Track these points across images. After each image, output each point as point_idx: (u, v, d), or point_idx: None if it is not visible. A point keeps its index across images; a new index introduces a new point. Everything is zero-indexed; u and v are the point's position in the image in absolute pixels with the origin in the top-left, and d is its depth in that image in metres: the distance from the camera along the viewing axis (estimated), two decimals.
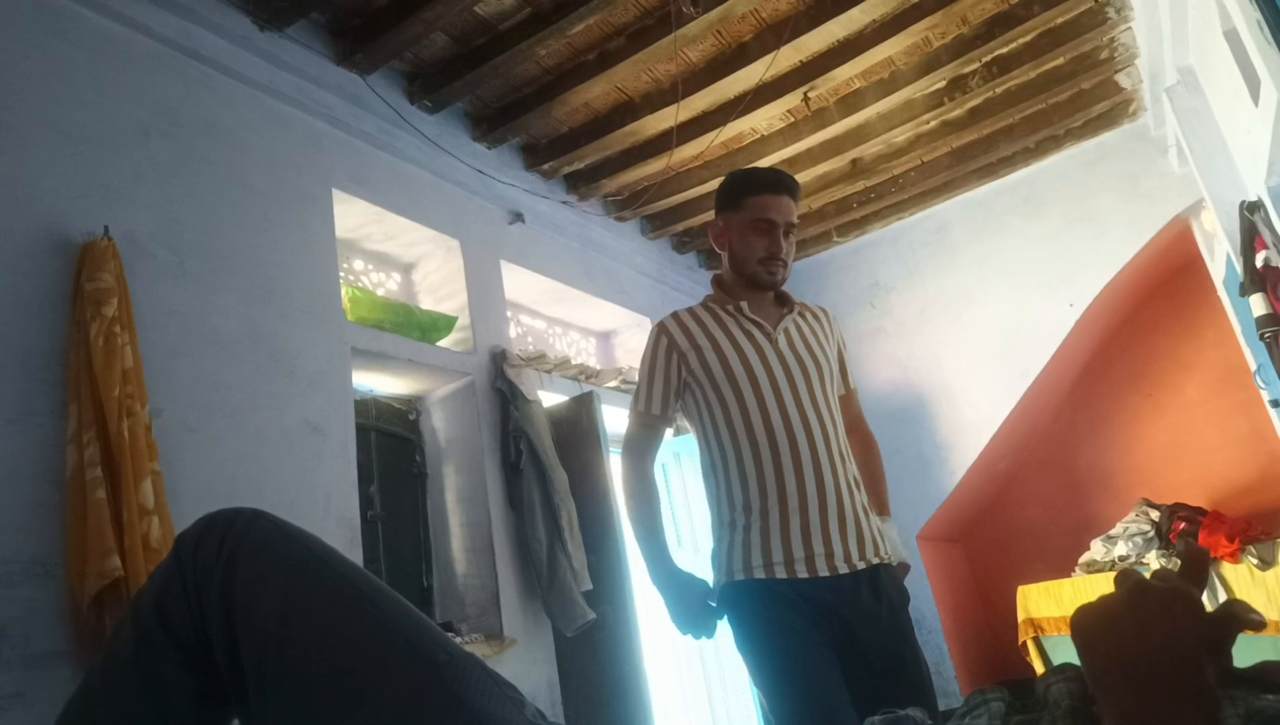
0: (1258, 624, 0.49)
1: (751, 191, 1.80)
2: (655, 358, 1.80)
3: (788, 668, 1.55)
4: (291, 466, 2.60)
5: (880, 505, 1.86)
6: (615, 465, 3.71)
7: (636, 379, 1.85)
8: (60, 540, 1.94)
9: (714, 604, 1.71)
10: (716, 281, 1.90)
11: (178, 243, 2.49)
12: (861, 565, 1.65)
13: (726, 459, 1.71)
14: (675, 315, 1.84)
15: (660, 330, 1.82)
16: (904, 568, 1.79)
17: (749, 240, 1.78)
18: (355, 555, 2.68)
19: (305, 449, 2.66)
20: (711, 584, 1.73)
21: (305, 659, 0.76)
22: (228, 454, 2.42)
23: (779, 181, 1.81)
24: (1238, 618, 0.49)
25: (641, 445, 1.82)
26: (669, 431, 1.90)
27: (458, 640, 2.90)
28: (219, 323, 2.53)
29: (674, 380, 1.78)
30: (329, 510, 2.66)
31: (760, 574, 1.62)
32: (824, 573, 1.61)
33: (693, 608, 1.70)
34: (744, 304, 1.80)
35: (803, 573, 1.61)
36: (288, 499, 2.54)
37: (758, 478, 1.67)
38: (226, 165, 2.74)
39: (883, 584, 1.67)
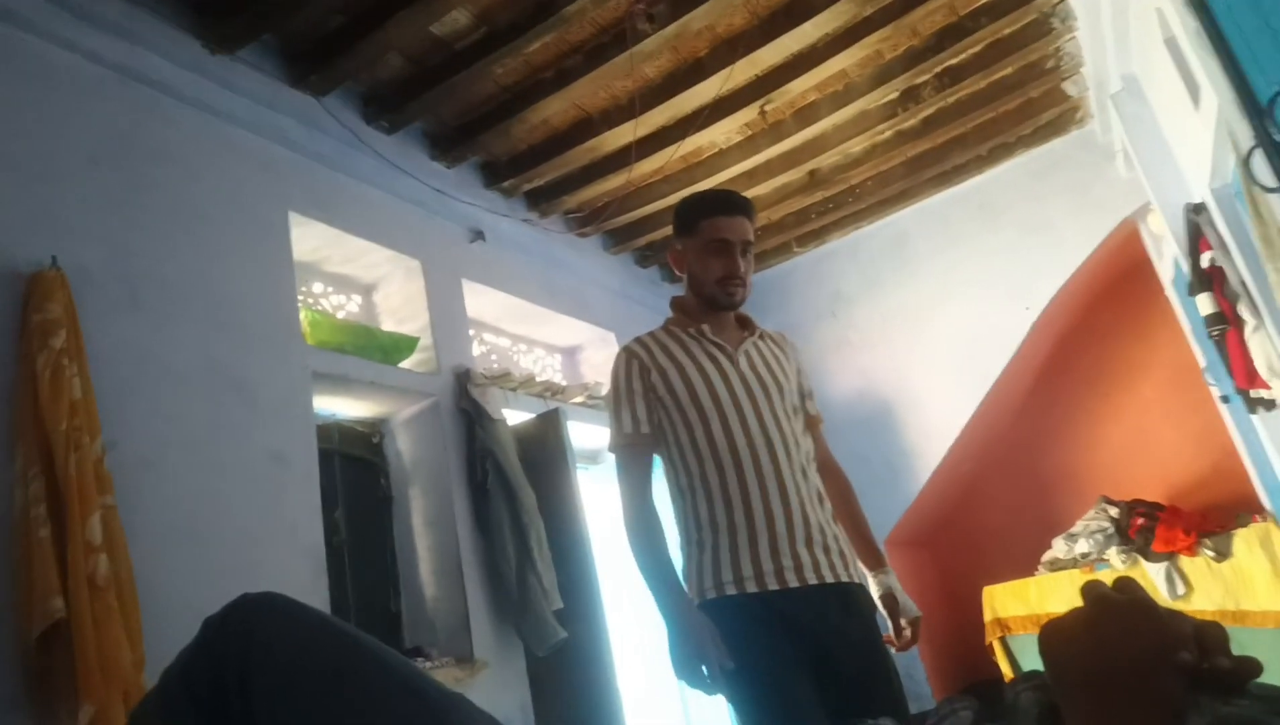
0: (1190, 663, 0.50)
1: (705, 214, 1.82)
2: (629, 379, 1.79)
3: (761, 686, 1.56)
4: (254, 497, 2.55)
5: (873, 553, 1.86)
6: (583, 481, 3.71)
7: (610, 408, 1.82)
8: (9, 583, 1.88)
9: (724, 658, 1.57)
10: (677, 305, 1.92)
11: (129, 272, 2.44)
12: (830, 579, 1.66)
13: (693, 479, 1.73)
14: (638, 339, 1.85)
15: (628, 354, 1.82)
16: (916, 620, 1.80)
17: (707, 262, 1.81)
18: (321, 583, 2.64)
19: (267, 478, 2.61)
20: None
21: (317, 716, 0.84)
22: (187, 487, 2.37)
23: (731, 202, 1.84)
24: (1206, 642, 0.50)
25: (636, 474, 1.75)
26: (657, 454, 1.81)
27: (429, 665, 2.86)
28: (174, 353, 2.48)
29: (651, 397, 1.78)
30: (293, 539, 2.61)
31: (731, 590, 1.63)
32: (794, 584, 1.63)
33: (701, 651, 1.56)
34: (705, 327, 1.82)
35: (773, 585, 1.62)
36: (251, 530, 2.49)
37: (724, 496, 1.69)
38: (178, 192, 2.69)
39: (853, 599, 1.70)
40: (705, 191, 1.97)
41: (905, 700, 1.68)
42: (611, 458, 1.85)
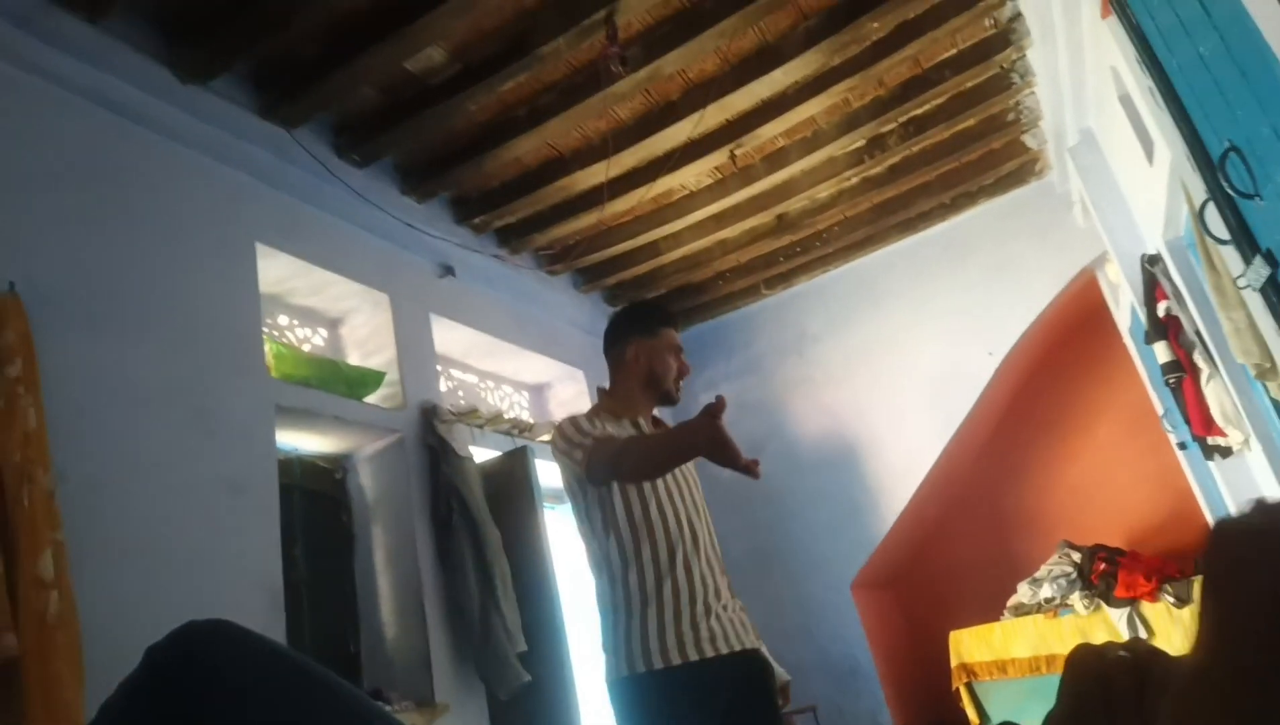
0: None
1: (664, 323, 2.12)
2: (575, 428, 1.92)
3: None
4: (210, 530, 2.48)
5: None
6: (550, 520, 3.67)
7: (564, 451, 1.91)
8: None
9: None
10: (609, 395, 2.11)
11: (89, 296, 2.40)
12: (739, 648, 1.87)
13: (626, 553, 1.88)
14: (583, 417, 1.99)
15: (569, 418, 1.96)
16: (786, 685, 2.05)
17: (667, 362, 2.07)
18: (279, 621, 2.57)
19: (224, 510, 2.55)
20: (604, 669, 1.89)
21: None
22: (140, 517, 2.30)
23: (676, 316, 2.20)
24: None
25: (608, 448, 1.84)
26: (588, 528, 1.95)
27: (388, 709, 2.78)
28: (132, 380, 2.43)
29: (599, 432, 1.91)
30: (251, 575, 2.55)
31: (659, 664, 1.79)
32: (720, 652, 1.83)
33: (710, 427, 1.64)
34: (641, 421, 2.03)
35: (694, 656, 1.80)
36: (205, 563, 2.42)
37: (655, 569, 1.86)
38: (142, 217, 2.65)
39: (758, 664, 1.92)
40: (653, 303, 2.38)
41: None
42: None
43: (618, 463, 1.84)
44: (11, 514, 1.84)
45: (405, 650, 3.14)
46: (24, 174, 2.36)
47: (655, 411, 2.13)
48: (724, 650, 1.83)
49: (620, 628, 1.85)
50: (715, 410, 1.63)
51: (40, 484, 1.92)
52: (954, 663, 4.40)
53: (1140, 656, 0.58)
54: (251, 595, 2.51)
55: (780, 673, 2.02)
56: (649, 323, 2.12)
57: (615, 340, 2.13)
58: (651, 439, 1.94)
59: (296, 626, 2.89)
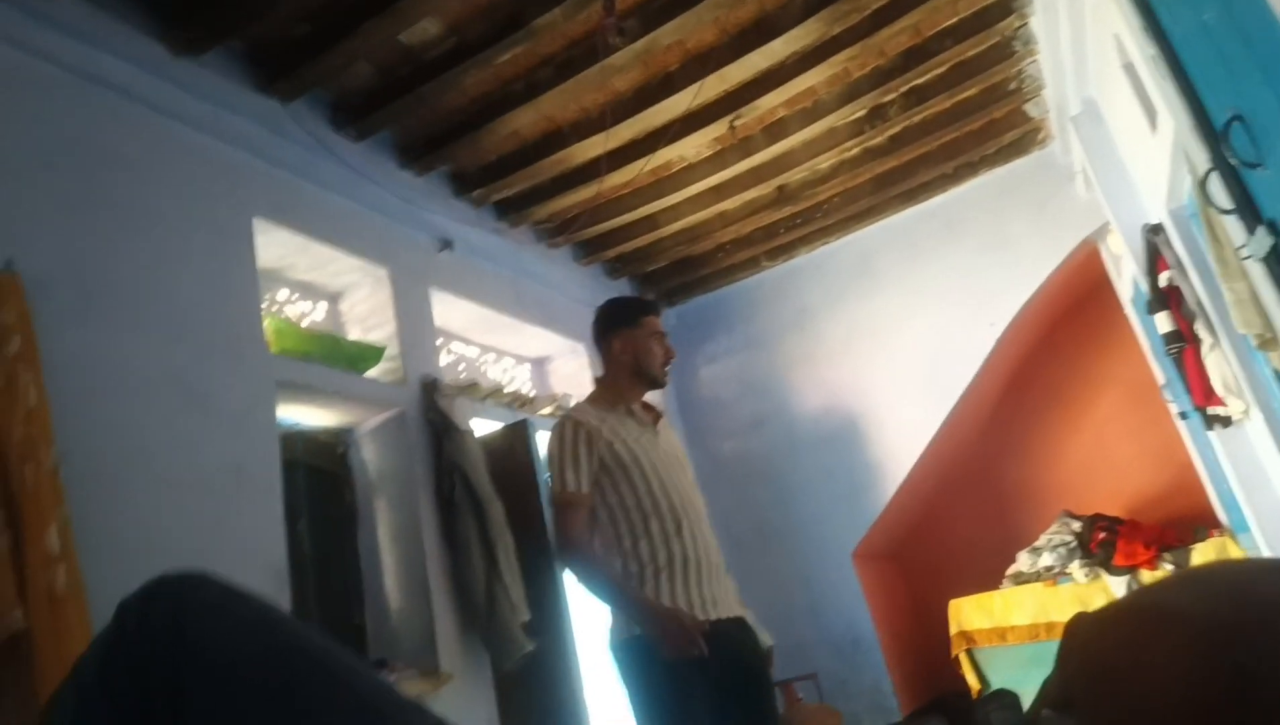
0: None
1: (645, 312, 2.29)
2: (575, 443, 2.09)
3: (670, 721, 1.92)
4: (212, 509, 2.49)
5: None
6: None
7: (554, 465, 2.10)
8: None
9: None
10: (603, 384, 2.29)
11: (85, 278, 2.39)
12: (728, 614, 2.07)
13: (634, 527, 2.06)
14: (578, 409, 2.22)
15: (574, 422, 2.13)
16: (769, 650, 2.21)
17: (651, 349, 2.24)
18: (284, 596, 2.59)
19: (227, 489, 2.56)
20: (609, 633, 2.06)
21: None
22: (143, 499, 2.31)
23: (658, 304, 2.45)
24: None
25: (579, 533, 2.05)
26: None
27: (392, 677, 2.82)
28: (131, 361, 2.42)
29: (594, 461, 2.08)
30: (254, 551, 2.57)
31: None
32: (713, 617, 2.01)
33: (678, 625, 1.90)
34: (634, 408, 2.23)
35: (698, 618, 1.96)
36: (209, 543, 2.44)
37: (664, 542, 2.04)
38: (137, 196, 2.64)
39: (747, 630, 2.12)
40: (632, 296, 2.50)
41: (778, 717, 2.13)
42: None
43: (565, 549, 2.06)
44: (16, 490, 1.84)
45: (410, 622, 3.17)
46: (16, 154, 2.34)
47: (645, 397, 2.30)
48: (723, 614, 2.04)
49: (630, 592, 2.00)
50: (687, 647, 1.85)
51: (43, 461, 1.93)
52: (954, 630, 4.44)
53: None
54: (256, 571, 2.53)
55: (764, 637, 2.18)
56: (631, 314, 2.29)
57: (601, 334, 2.30)
58: (604, 578, 2.04)
59: (302, 600, 2.92)
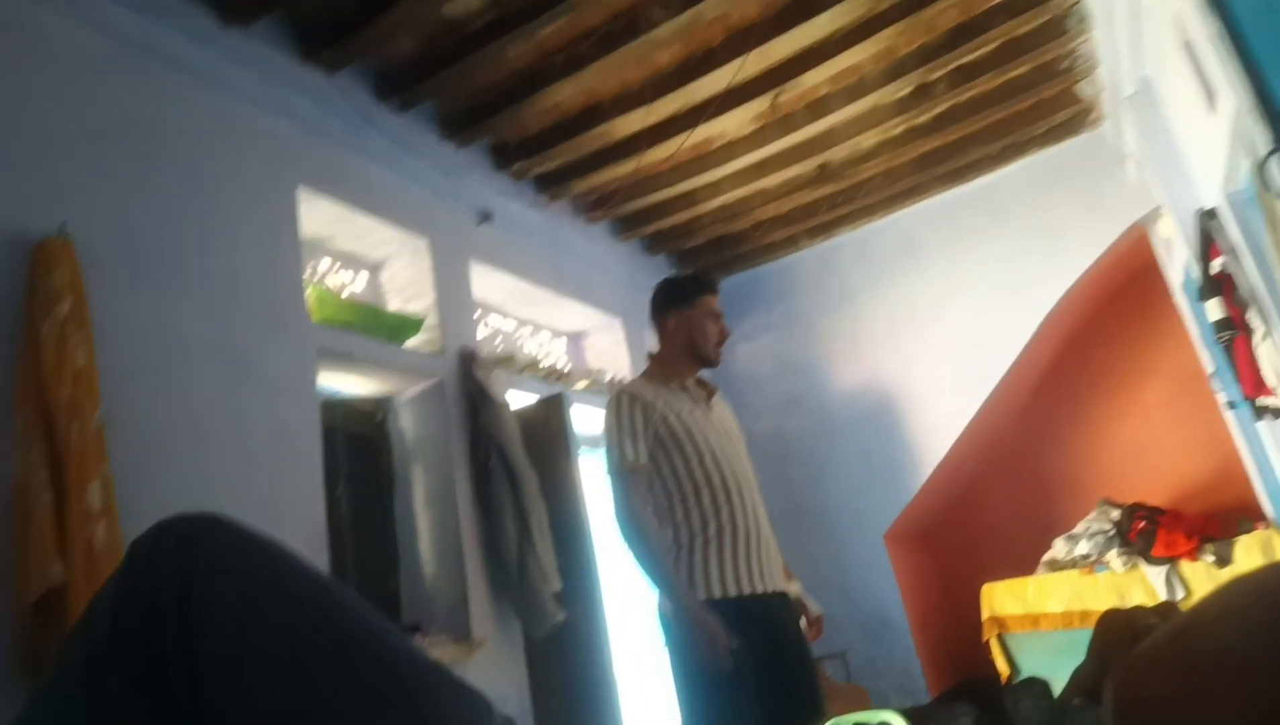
0: None
1: (701, 291, 2.32)
2: (631, 416, 2.15)
3: (712, 690, 1.96)
4: (256, 472, 2.56)
5: (787, 569, 2.32)
6: (585, 466, 3.72)
7: (612, 437, 2.15)
8: (9, 548, 1.88)
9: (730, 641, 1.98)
10: (658, 361, 2.34)
11: (134, 246, 2.44)
12: (774, 588, 2.13)
13: (686, 498, 2.11)
14: (634, 384, 2.27)
15: (630, 396, 2.19)
16: (819, 618, 2.29)
17: (706, 329, 2.28)
18: (322, 559, 2.65)
19: (270, 454, 2.62)
20: (659, 600, 2.08)
21: (262, 683, 0.72)
22: (188, 463, 2.38)
23: (715, 283, 2.39)
24: None
25: (635, 496, 2.10)
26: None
27: (425, 641, 2.88)
28: (178, 328, 2.48)
29: (650, 433, 2.14)
30: (294, 514, 2.63)
31: (716, 593, 2.02)
32: (760, 590, 2.08)
33: (713, 635, 1.95)
34: (688, 384, 2.28)
35: (746, 589, 2.05)
36: (251, 506, 2.50)
37: (715, 513, 2.10)
38: (186, 166, 2.69)
39: (790, 606, 2.18)
40: (692, 273, 2.63)
41: (824, 697, 2.18)
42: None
43: (626, 520, 2.08)
44: (61, 448, 1.90)
45: (444, 588, 3.23)
46: (70, 124, 2.39)
47: (700, 373, 2.35)
48: (770, 588, 2.10)
49: (681, 563, 2.07)
50: (713, 660, 1.93)
51: (88, 420, 1.98)
52: (985, 615, 4.41)
53: None
54: (296, 535, 2.59)
55: (814, 606, 2.28)
56: (687, 293, 2.33)
57: (657, 311, 2.36)
58: (658, 558, 2.08)
59: (339, 563, 2.99)
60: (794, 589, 2.26)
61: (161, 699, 0.75)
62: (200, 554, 0.77)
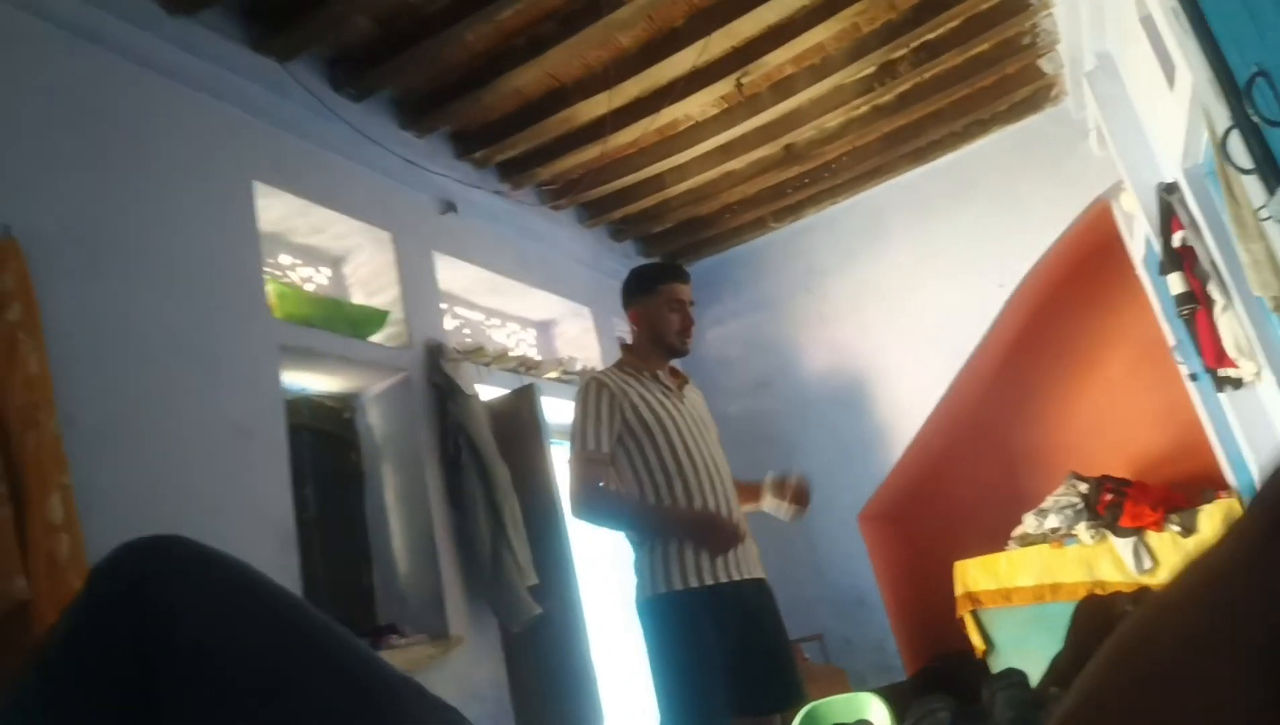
0: None
1: (664, 280, 2.30)
2: (597, 404, 2.14)
3: (684, 685, 1.99)
4: (218, 472, 2.50)
5: (755, 490, 2.33)
6: (558, 456, 3.69)
7: (577, 425, 2.14)
8: None
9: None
10: (629, 351, 2.35)
11: (87, 240, 2.36)
12: (750, 575, 2.12)
13: (658, 487, 2.11)
14: (605, 374, 2.24)
15: (598, 384, 2.18)
16: (800, 479, 2.29)
17: (667, 317, 2.26)
18: (291, 560, 2.60)
19: (233, 453, 2.56)
20: (635, 591, 2.11)
21: (227, 703, 0.71)
22: (148, 462, 2.31)
23: (681, 270, 2.36)
24: None
25: (590, 480, 2.09)
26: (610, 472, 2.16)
27: (402, 641, 2.84)
28: (135, 324, 2.41)
29: (615, 422, 2.13)
30: (261, 514, 2.57)
31: (679, 586, 2.03)
32: (736, 577, 2.07)
33: (713, 521, 2.05)
34: (660, 373, 2.27)
35: (709, 580, 2.04)
36: (216, 505, 2.44)
37: (686, 501, 2.09)
38: (135, 157, 2.60)
39: (767, 591, 2.18)
40: (659, 262, 2.60)
41: (801, 680, 2.19)
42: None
43: (583, 503, 2.09)
44: (17, 459, 1.84)
45: (418, 585, 3.19)
46: (12, 114, 2.30)
47: (672, 362, 2.35)
48: (745, 575, 2.10)
49: (656, 552, 2.07)
50: (729, 540, 2.02)
51: (45, 428, 1.92)
52: (959, 591, 4.46)
53: None
54: (263, 535, 2.54)
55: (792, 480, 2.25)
56: (649, 282, 2.31)
57: (625, 302, 2.36)
58: (623, 508, 2.14)
59: (310, 564, 2.93)
60: (766, 497, 2.25)
61: (122, 720, 0.74)
62: (160, 576, 0.76)
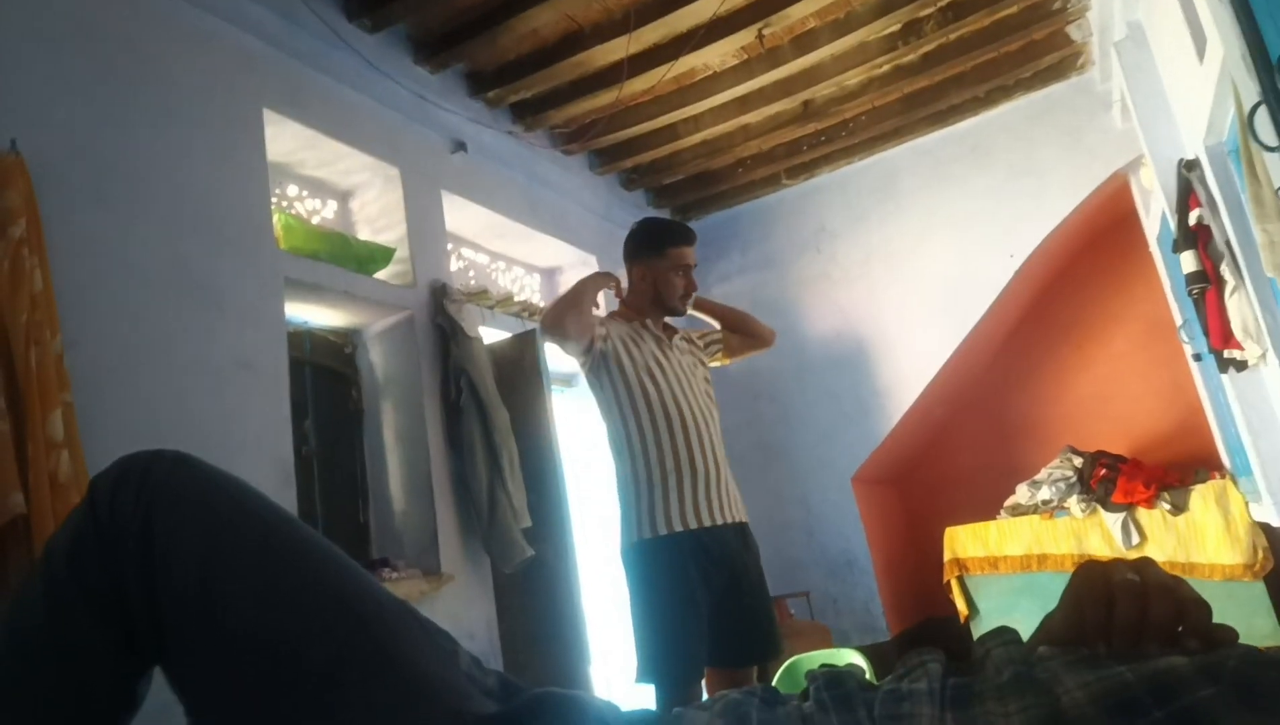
0: None
1: (673, 242, 2.31)
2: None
3: (663, 626, 2.01)
4: (219, 402, 2.50)
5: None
6: (557, 403, 3.71)
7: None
8: None
9: None
10: (627, 303, 2.39)
11: (94, 165, 2.34)
12: (732, 519, 2.16)
13: (644, 434, 2.14)
14: (602, 316, 2.28)
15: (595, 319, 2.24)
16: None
17: (672, 282, 2.29)
18: (289, 492, 2.63)
19: (234, 384, 2.57)
20: (620, 536, 2.14)
21: (226, 619, 0.72)
22: (149, 391, 2.32)
23: (691, 232, 2.39)
24: None
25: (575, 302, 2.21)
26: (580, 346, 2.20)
27: (395, 575, 2.88)
28: (139, 251, 2.39)
29: (603, 335, 2.19)
30: (260, 447, 2.59)
31: (663, 530, 2.06)
32: (717, 522, 2.11)
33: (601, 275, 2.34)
34: (649, 322, 2.31)
35: (693, 524, 2.07)
36: (215, 435, 2.45)
37: (672, 449, 2.12)
38: (148, 82, 2.56)
39: (748, 536, 2.22)
40: (666, 221, 2.60)
41: (779, 635, 2.24)
42: (584, 383, 2.32)
43: (552, 309, 2.21)
44: (20, 375, 1.84)
45: (413, 523, 3.23)
46: (21, 32, 2.26)
47: (667, 319, 2.38)
48: (727, 519, 2.13)
49: (642, 498, 2.10)
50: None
51: (48, 346, 1.91)
52: (948, 557, 4.51)
53: (1149, 583, 0.57)
54: (261, 467, 2.56)
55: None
56: (658, 242, 2.32)
57: (628, 256, 2.37)
58: (571, 289, 2.27)
59: (307, 497, 2.97)
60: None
61: (124, 633, 0.75)
62: (163, 490, 0.77)
